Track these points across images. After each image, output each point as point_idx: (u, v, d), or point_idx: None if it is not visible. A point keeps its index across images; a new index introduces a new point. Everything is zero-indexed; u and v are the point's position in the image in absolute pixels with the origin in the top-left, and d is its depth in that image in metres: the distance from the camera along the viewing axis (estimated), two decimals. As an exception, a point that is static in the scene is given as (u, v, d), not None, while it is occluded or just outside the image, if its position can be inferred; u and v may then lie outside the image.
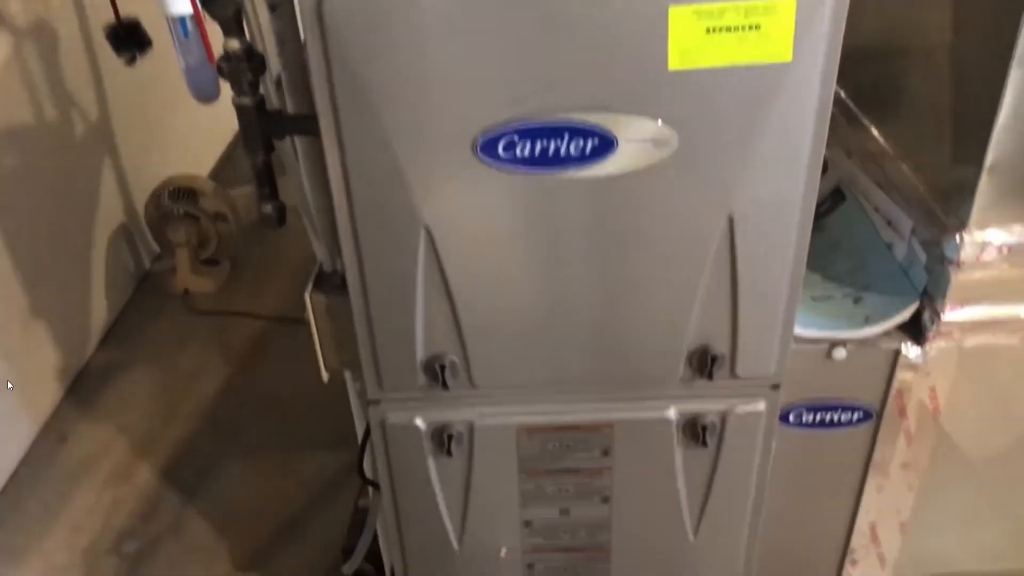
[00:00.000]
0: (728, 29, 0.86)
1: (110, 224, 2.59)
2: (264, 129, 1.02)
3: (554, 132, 0.91)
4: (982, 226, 1.07)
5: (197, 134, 3.03)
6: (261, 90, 1.01)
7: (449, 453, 1.13)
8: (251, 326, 2.56)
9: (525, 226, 0.98)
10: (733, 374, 1.09)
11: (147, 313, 2.66)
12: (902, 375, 1.21)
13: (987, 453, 1.30)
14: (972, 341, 1.17)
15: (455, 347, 1.06)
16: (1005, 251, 1.08)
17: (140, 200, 2.69)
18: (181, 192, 2.63)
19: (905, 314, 1.17)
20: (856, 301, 1.23)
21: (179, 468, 2.12)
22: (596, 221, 0.97)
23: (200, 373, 2.41)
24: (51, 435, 2.21)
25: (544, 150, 0.92)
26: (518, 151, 0.92)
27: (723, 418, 1.12)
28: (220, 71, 0.98)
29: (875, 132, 1.33)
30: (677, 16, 0.85)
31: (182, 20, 0.89)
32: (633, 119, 0.90)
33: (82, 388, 2.37)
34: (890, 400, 1.22)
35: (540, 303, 1.03)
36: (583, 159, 0.93)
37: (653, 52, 0.87)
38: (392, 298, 1.03)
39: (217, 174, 3.22)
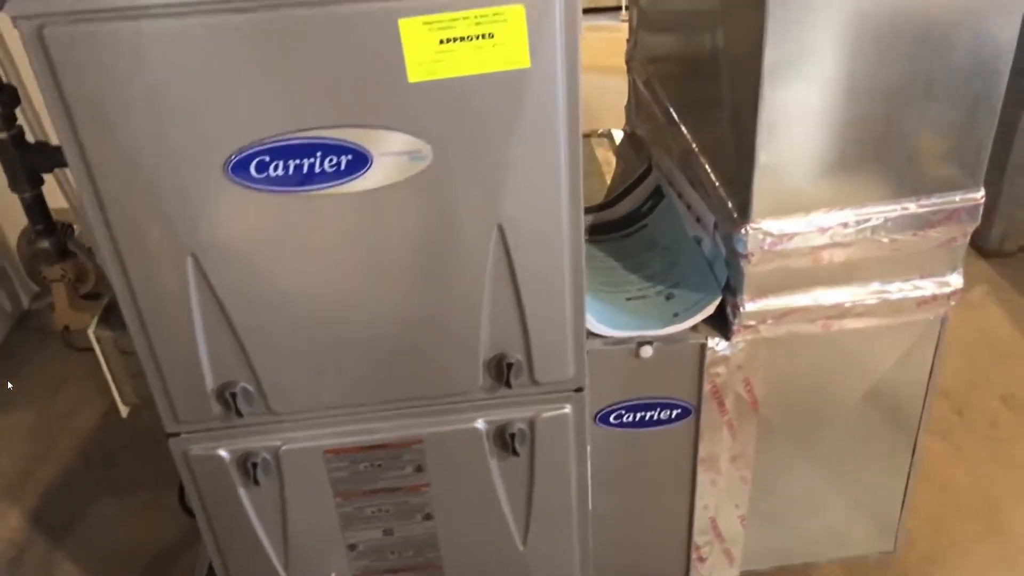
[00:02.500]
0: (461, 39, 0.86)
1: (-20, 264, 2.51)
2: (25, 163, 0.99)
3: (306, 150, 0.90)
4: (762, 218, 1.09)
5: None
6: (20, 121, 0.99)
7: (256, 482, 1.11)
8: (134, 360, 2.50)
9: (292, 245, 0.96)
10: (533, 380, 1.09)
11: (25, 352, 2.58)
12: (715, 369, 1.22)
13: (810, 438, 1.32)
14: (776, 331, 1.19)
15: (245, 373, 1.04)
16: (786, 241, 1.09)
17: (12, 236, 2.61)
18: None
19: (709, 308, 1.18)
20: (668, 298, 1.24)
21: (50, 510, 2.05)
22: (364, 235, 0.96)
23: (77, 411, 2.34)
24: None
25: (298, 168, 0.91)
26: (271, 171, 0.91)
27: (531, 424, 1.12)
28: (-33, 107, 0.95)
29: (684, 130, 1.34)
30: (408, 28, 0.85)
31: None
32: (384, 133, 0.90)
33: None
34: (706, 395, 1.23)
35: (323, 322, 1.02)
36: (339, 175, 0.92)
37: (391, 65, 0.86)
38: (170, 327, 1.00)
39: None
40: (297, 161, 0.91)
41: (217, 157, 0.90)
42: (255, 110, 0.88)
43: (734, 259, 1.14)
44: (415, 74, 0.87)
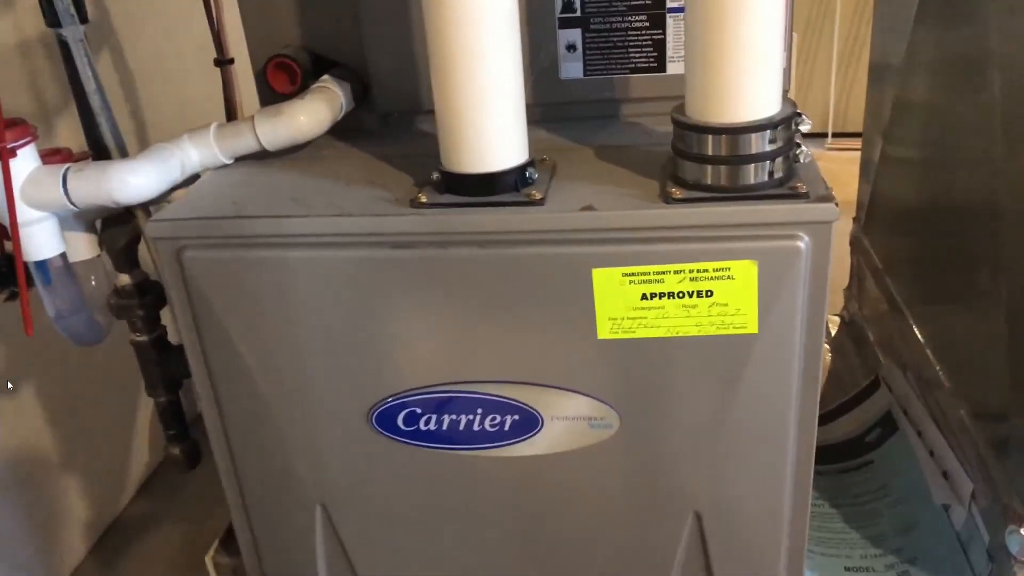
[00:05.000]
0: (670, 295, 0.67)
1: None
2: (164, 367, 0.89)
3: (464, 406, 0.74)
4: (1055, 522, 0.81)
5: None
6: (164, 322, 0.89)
7: None
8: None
9: (438, 507, 0.79)
10: None
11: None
12: None
13: None
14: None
15: (371, 638, 0.87)
16: (1089, 557, 0.81)
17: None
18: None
19: (962, 611, 0.91)
20: (901, 577, 0.97)
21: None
22: (524, 507, 0.78)
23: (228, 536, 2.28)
24: (67, 598, 2.11)
25: (454, 424, 0.74)
26: (422, 424, 0.75)
27: None
28: (110, 308, 0.86)
29: (930, 355, 1.08)
30: (603, 279, 0.67)
31: (41, 265, 0.78)
32: (560, 394, 0.72)
33: (111, 541, 2.27)
34: None
35: (468, 597, 0.84)
36: (501, 437, 0.74)
37: (578, 319, 0.69)
38: (293, 576, 0.86)
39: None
40: (453, 417, 0.74)
41: (360, 404, 0.75)
42: (409, 355, 0.73)
43: (1002, 556, 0.87)
44: (606, 331, 0.69)
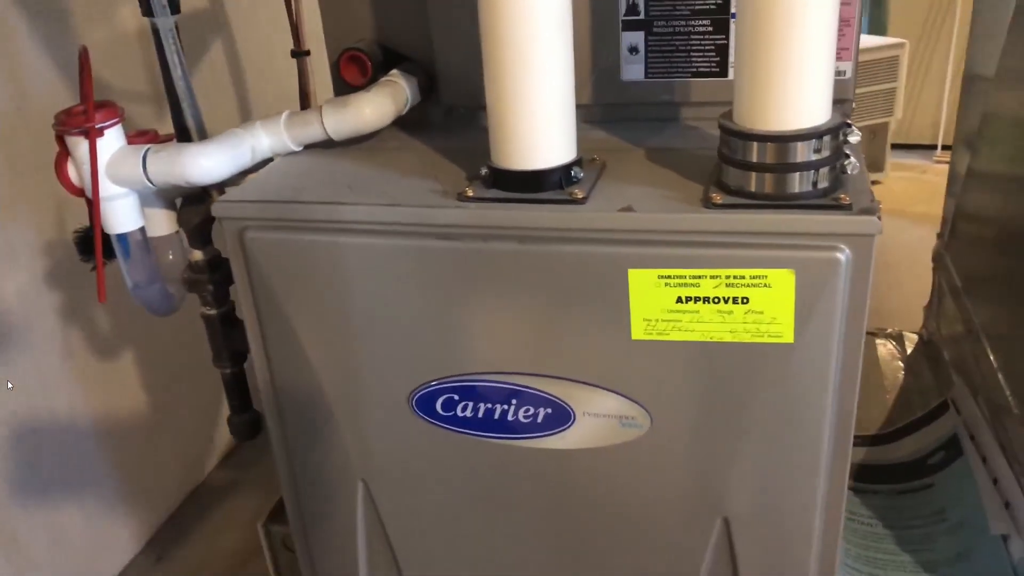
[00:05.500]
0: (705, 300, 0.67)
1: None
2: (229, 340, 0.94)
3: (500, 395, 0.76)
4: (1112, 562, 0.77)
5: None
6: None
7: None
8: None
9: (470, 489, 0.82)
10: None
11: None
12: None
13: None
14: None
15: (406, 612, 0.90)
16: None
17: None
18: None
19: (1011, 647, 0.87)
20: (952, 607, 0.94)
21: (250, 611, 2.06)
22: (553, 499, 0.79)
23: (298, 507, 2.37)
24: (149, 555, 2.24)
25: (489, 412, 0.77)
26: (459, 411, 0.77)
27: None
28: (184, 282, 0.92)
29: (1002, 380, 1.04)
30: (639, 280, 0.68)
31: (122, 238, 0.84)
32: (592, 391, 0.73)
33: (192, 506, 2.40)
34: None
35: (495, 578, 0.86)
36: (534, 428, 0.76)
37: (612, 318, 0.70)
38: (334, 546, 0.90)
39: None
40: (488, 405, 0.76)
41: (402, 387, 0.78)
42: (449, 343, 0.75)
43: (1058, 595, 0.83)
44: (640, 332, 0.69)
